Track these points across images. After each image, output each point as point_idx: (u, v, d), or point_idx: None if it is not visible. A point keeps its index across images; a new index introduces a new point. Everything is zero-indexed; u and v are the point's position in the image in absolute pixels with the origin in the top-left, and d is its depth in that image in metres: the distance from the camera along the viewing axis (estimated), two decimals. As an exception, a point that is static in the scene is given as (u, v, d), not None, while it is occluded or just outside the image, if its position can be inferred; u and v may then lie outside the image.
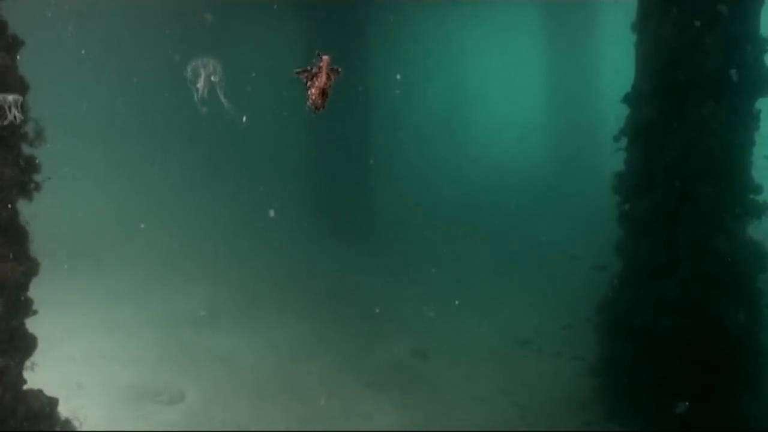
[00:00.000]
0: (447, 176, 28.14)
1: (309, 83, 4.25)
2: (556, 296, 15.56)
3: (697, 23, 10.79)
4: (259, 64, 27.13)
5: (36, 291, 7.59)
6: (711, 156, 11.07)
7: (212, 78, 7.04)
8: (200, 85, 7.05)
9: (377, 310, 15.85)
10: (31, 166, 7.25)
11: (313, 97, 4.24)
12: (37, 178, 7.33)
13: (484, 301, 16.32)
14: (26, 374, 7.57)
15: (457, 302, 15.66)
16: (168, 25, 24.45)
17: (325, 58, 4.23)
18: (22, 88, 7.04)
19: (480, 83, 44.54)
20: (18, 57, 7.27)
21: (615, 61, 19.21)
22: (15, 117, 6.38)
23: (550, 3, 30.26)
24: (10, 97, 6.44)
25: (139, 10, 25.13)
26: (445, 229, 21.30)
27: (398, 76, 28.28)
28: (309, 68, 4.24)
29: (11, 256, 7.01)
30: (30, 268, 7.23)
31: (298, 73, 4.21)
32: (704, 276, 11.23)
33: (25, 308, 7.57)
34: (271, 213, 16.64)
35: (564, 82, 30.55)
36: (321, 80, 4.21)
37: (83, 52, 24.78)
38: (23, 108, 6.72)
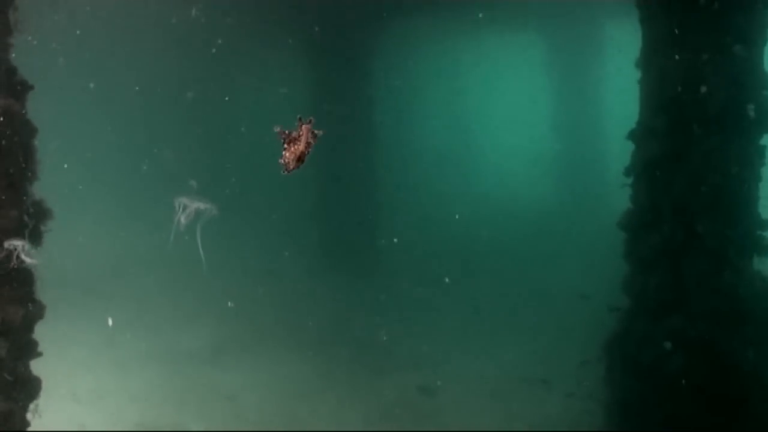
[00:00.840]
0: (453, 210, 28.07)
1: (286, 144, 4.15)
2: (563, 333, 15.44)
3: (703, 59, 10.82)
4: (265, 91, 27.31)
5: (41, 327, 7.55)
6: (718, 192, 11.03)
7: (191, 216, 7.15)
8: (182, 219, 7.19)
9: (383, 347, 15.74)
10: (40, 211, 7.22)
11: (287, 160, 4.15)
12: (46, 225, 7.28)
13: (491, 337, 16.20)
14: (30, 417, 7.50)
15: (464, 338, 15.55)
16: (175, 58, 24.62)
17: (305, 127, 4.11)
18: (30, 132, 7.05)
19: (485, 114, 44.66)
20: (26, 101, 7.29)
21: (620, 94, 19.22)
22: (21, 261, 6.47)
23: (556, 34, 30.36)
24: (18, 243, 6.52)
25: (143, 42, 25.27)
26: (451, 263, 21.21)
27: (403, 108, 28.40)
28: (288, 132, 4.12)
29: (16, 299, 6.96)
30: (35, 311, 7.18)
31: (278, 133, 4.10)
32: (712, 313, 11.14)
33: (30, 350, 7.51)
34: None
35: (569, 114, 30.56)
36: (299, 147, 4.11)
37: (92, 85, 25.02)
38: (29, 253, 6.77)
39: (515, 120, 44.00)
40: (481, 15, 19.42)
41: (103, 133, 27.04)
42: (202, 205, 7.27)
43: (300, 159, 4.13)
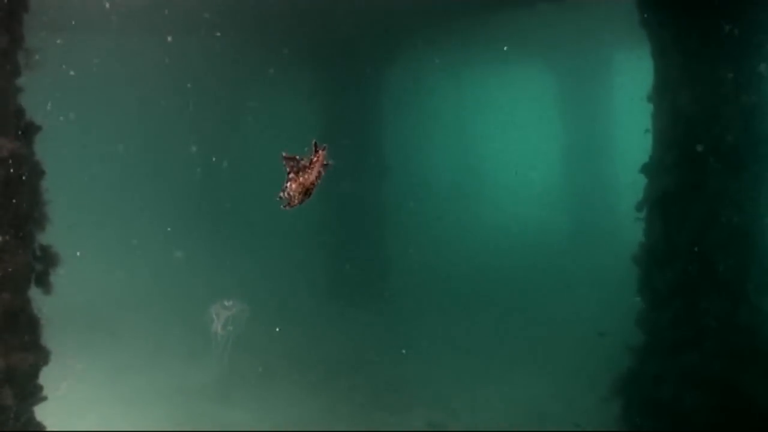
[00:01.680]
0: (462, 242, 27.89)
1: (292, 174, 3.66)
2: (577, 368, 15.19)
3: (717, 92, 10.71)
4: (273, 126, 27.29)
5: (49, 367, 7.42)
6: (734, 228, 10.88)
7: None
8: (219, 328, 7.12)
9: (393, 382, 15.50)
10: (49, 257, 7.10)
11: (291, 192, 3.67)
12: (54, 269, 7.16)
13: (503, 372, 15.94)
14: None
15: (476, 373, 15.30)
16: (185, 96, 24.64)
17: (320, 153, 3.66)
18: (38, 175, 6.95)
19: (494, 145, 44.50)
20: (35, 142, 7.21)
21: (631, 126, 19.11)
22: None
23: (565, 66, 30.27)
24: None
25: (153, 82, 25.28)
26: (460, 296, 20.98)
27: (413, 140, 28.29)
28: (298, 158, 3.67)
29: (22, 346, 6.83)
30: (40, 358, 7.04)
31: (285, 159, 3.66)
32: (729, 350, 10.94)
33: (35, 396, 7.37)
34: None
35: (578, 145, 30.34)
36: (308, 177, 3.65)
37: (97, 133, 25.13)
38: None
39: (525, 151, 43.87)
40: (506, 48, 19.29)
41: (108, 167, 26.99)
42: (235, 310, 7.18)
43: (308, 192, 3.70)
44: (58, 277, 7.48)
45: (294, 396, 15.10)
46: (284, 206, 3.73)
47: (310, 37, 18.98)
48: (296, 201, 3.72)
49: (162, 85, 24.33)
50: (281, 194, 3.67)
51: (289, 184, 3.68)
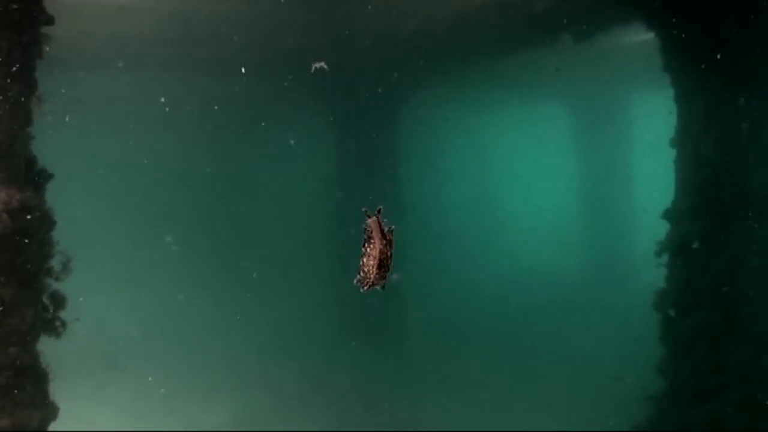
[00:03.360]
0: (478, 282, 27.51)
1: (363, 251, 3.45)
2: (591, 415, 14.82)
3: (740, 138, 10.50)
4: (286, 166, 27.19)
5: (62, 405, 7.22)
6: (758, 276, 10.62)
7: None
8: None
9: (404, 421, 15.16)
10: (57, 302, 6.92)
11: (367, 269, 3.43)
12: (63, 315, 6.98)
13: (516, 414, 15.57)
14: None
15: (489, 415, 14.94)
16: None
17: (371, 222, 3.39)
18: (48, 226, 6.78)
19: (512, 184, 44.12)
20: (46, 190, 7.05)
21: (651, 169, 18.87)
22: None
23: (584, 107, 30.01)
24: None
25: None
26: (474, 336, 20.62)
27: (429, 177, 27.95)
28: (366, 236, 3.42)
29: (28, 402, 6.62)
30: (48, 414, 6.82)
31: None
32: (752, 401, 10.64)
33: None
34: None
35: (597, 187, 29.98)
36: (375, 248, 3.41)
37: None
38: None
39: (541, 190, 43.49)
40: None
41: (119, 200, 26.89)
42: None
43: (382, 265, 3.42)
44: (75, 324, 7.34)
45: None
46: (363, 289, 3.49)
47: (324, 71, 18.86)
48: (373, 277, 3.48)
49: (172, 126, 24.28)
50: (358, 276, 3.47)
51: (363, 260, 3.46)
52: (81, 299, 8.51)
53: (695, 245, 10.92)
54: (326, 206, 21.36)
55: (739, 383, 10.75)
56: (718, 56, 10.15)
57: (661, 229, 11.51)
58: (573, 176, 32.36)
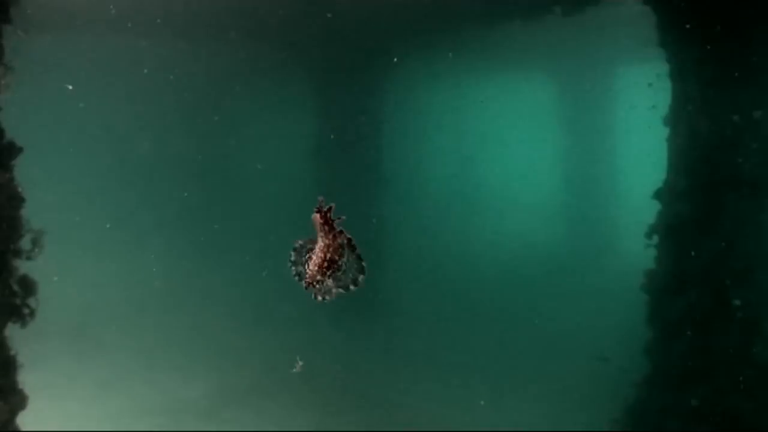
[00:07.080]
0: (462, 257, 27.29)
1: (308, 252, 3.24)
2: (580, 398, 14.71)
3: (737, 118, 10.24)
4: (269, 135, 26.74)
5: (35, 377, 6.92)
6: (750, 259, 10.43)
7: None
8: None
9: (388, 403, 14.99)
10: (26, 288, 6.53)
11: (308, 268, 3.24)
12: (32, 302, 6.59)
13: (501, 397, 15.43)
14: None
15: (473, 397, 14.78)
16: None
17: (313, 217, 3.21)
18: (16, 204, 6.39)
19: (497, 158, 43.69)
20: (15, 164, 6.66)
21: (642, 147, 18.61)
22: None
23: (575, 80, 29.60)
24: None
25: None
26: (458, 312, 20.44)
27: (411, 156, 27.61)
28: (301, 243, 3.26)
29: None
30: (16, 404, 6.48)
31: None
32: (741, 385, 10.50)
33: (12, 438, 6.83)
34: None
35: (582, 165, 29.67)
36: (318, 247, 3.22)
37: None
38: None
39: (526, 168, 43.11)
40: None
41: (97, 175, 26.33)
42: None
43: (323, 266, 3.20)
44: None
45: (288, 415, 14.57)
46: (306, 284, 3.30)
47: (306, 42, 18.42)
48: (313, 277, 3.28)
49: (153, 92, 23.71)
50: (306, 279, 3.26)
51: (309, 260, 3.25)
52: (55, 278, 8.20)
53: (686, 226, 10.72)
54: (306, 179, 21.05)
55: (728, 366, 10.61)
56: (717, 28, 9.86)
57: (651, 209, 11.29)
58: (560, 154, 32.08)
